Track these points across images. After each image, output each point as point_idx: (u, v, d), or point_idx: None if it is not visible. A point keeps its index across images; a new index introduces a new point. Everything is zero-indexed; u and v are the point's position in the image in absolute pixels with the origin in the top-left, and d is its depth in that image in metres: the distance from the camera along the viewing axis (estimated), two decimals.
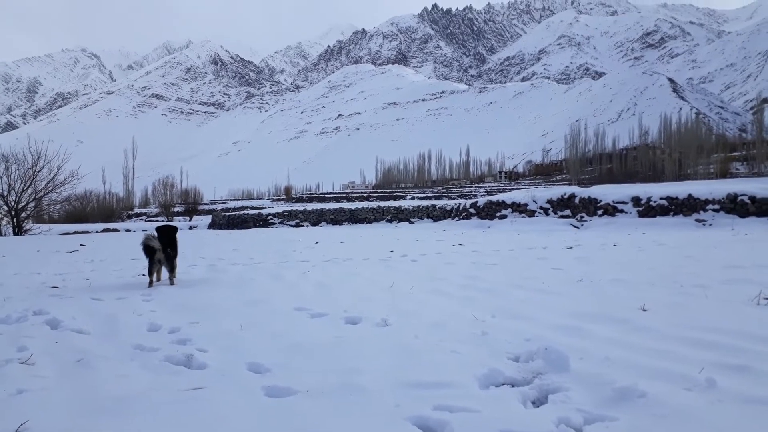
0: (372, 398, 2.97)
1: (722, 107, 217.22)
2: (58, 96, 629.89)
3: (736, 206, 19.65)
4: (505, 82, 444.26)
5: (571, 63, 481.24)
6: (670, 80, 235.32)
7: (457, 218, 27.92)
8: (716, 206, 19.97)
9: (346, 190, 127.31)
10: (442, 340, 4.15)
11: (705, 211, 20.10)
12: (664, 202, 21.15)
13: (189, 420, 2.71)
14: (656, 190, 22.36)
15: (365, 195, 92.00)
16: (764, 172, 62.24)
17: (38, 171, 30.90)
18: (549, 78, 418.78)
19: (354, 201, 69.11)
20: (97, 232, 32.45)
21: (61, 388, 3.24)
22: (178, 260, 8.01)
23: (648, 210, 21.39)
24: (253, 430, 2.60)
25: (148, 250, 7.51)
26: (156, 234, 7.79)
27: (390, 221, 30.84)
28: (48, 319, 5.16)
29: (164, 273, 7.83)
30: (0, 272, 9.66)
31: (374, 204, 35.11)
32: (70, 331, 4.70)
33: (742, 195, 19.70)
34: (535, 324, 4.63)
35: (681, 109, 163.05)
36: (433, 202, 38.08)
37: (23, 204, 30.47)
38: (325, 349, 3.98)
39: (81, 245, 17.28)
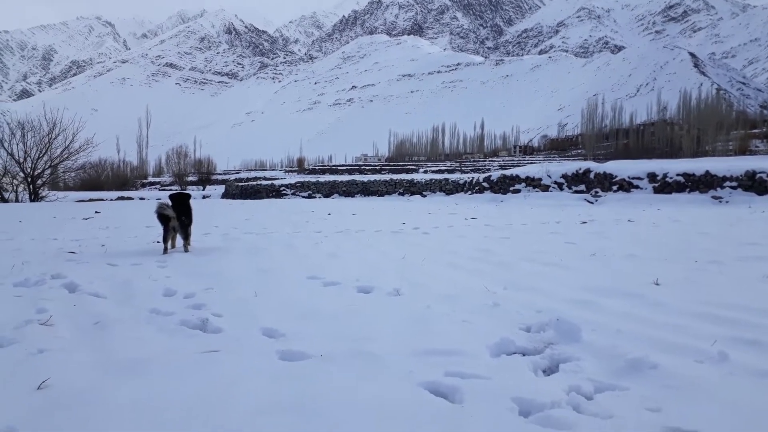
0: (385, 364, 3.01)
1: (744, 83, 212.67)
2: (73, 64, 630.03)
3: (754, 184, 19.37)
4: (522, 55, 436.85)
5: (591, 36, 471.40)
6: (692, 55, 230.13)
7: (470, 192, 27.82)
8: (734, 183, 19.70)
9: (359, 163, 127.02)
10: (454, 310, 4.18)
11: (722, 188, 19.84)
12: (680, 178, 20.88)
13: (205, 381, 2.76)
14: (673, 167, 22.07)
15: (378, 168, 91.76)
16: None
17: (54, 138, 31.14)
18: (567, 51, 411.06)
19: (366, 173, 69.03)
20: (111, 200, 32.75)
21: (79, 348, 3.32)
22: (192, 228, 8.07)
23: (664, 186, 21.15)
24: (268, 391, 2.65)
25: (162, 218, 7.56)
26: (170, 202, 7.83)
27: (402, 194, 30.80)
28: (65, 283, 5.25)
29: (179, 240, 7.90)
30: (18, 237, 9.82)
31: (387, 177, 35.02)
32: (87, 295, 4.79)
33: (761, 172, 19.39)
34: (547, 296, 4.64)
35: (701, 84, 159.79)
36: (446, 175, 37.90)
37: (39, 171, 30.78)
38: (338, 317, 4.02)
39: (96, 212, 17.48)
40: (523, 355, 3.24)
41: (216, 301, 4.54)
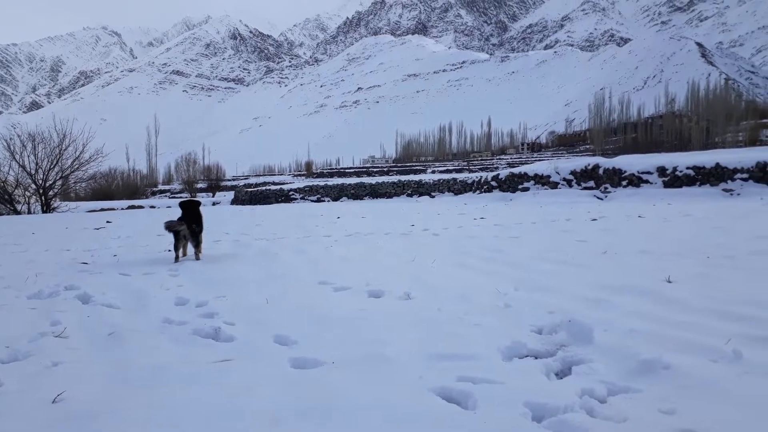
0: (396, 369, 3.01)
1: (753, 72, 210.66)
2: (81, 74, 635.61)
3: (766, 175, 19.17)
4: (527, 51, 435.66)
5: (596, 29, 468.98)
6: (699, 45, 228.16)
7: (478, 191, 27.75)
8: (745, 175, 19.51)
9: (366, 165, 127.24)
10: (465, 313, 4.17)
11: (733, 180, 19.66)
12: (690, 171, 20.72)
13: (219, 391, 2.78)
14: (682, 160, 21.89)
15: (385, 169, 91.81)
16: None
17: (64, 149, 31.39)
18: (573, 45, 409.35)
19: (374, 175, 69.05)
20: (122, 209, 33.01)
21: (94, 360, 3.35)
22: (203, 235, 8.11)
23: (674, 180, 20.99)
24: (281, 400, 2.66)
25: (171, 231, 7.63)
26: (180, 209, 7.88)
27: (410, 195, 30.78)
28: (79, 294, 5.30)
29: (190, 248, 7.93)
30: (31, 249, 9.92)
31: (394, 178, 34.99)
32: (100, 306, 4.83)
33: None
34: (558, 296, 4.62)
35: (709, 74, 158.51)
36: (454, 175, 37.82)
37: (50, 182, 31.04)
38: (349, 322, 4.03)
39: (108, 222, 17.61)
40: (536, 358, 3.23)
41: (228, 309, 4.56)
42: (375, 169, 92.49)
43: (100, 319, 4.35)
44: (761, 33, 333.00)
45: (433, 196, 29.66)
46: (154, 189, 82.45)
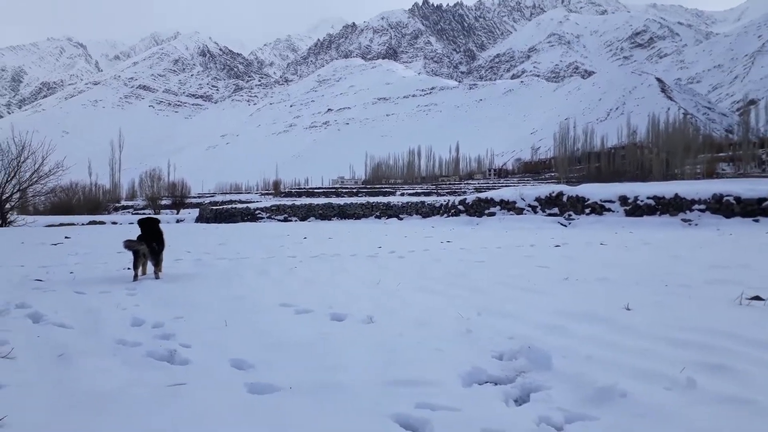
0: (354, 396, 2.97)
1: (709, 108, 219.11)
2: (44, 85, 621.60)
3: (721, 206, 19.84)
4: (495, 79, 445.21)
5: (561, 61, 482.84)
6: (659, 80, 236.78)
7: (446, 215, 27.97)
8: (702, 206, 20.16)
9: (336, 185, 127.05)
10: (427, 338, 4.16)
11: (691, 210, 20.28)
12: (651, 201, 21.31)
13: (171, 416, 2.69)
14: (643, 190, 22.52)
15: (354, 190, 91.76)
16: (750, 173, 62.93)
17: (23, 162, 30.51)
18: (539, 76, 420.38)
19: (343, 196, 68.99)
20: (83, 224, 32.13)
21: (41, 383, 3.21)
22: (165, 254, 7.96)
23: (635, 209, 21.55)
24: (235, 426, 2.59)
25: (131, 249, 7.47)
26: (139, 228, 7.74)
27: (379, 217, 30.84)
28: (30, 313, 5.11)
29: (150, 267, 7.77)
30: None
31: (363, 200, 35.05)
32: (52, 325, 4.66)
33: (727, 195, 19.89)
34: (519, 322, 4.65)
35: (669, 109, 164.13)
36: (423, 198, 38.11)
37: (7, 195, 30.09)
38: (309, 346, 3.97)
39: (66, 238, 17.11)
40: (495, 384, 3.23)
41: (185, 330, 4.45)
42: (344, 190, 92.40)
43: (50, 340, 4.19)
44: (717, 71, 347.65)
45: (401, 219, 29.77)
46: (117, 205, 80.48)
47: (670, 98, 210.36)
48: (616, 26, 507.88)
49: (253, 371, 3.44)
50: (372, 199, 34.99)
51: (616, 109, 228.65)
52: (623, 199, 22.11)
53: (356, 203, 32.59)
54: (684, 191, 21.01)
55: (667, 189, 21.87)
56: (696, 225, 19.27)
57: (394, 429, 2.58)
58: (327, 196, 68.79)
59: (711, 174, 64.67)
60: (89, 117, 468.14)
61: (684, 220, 19.90)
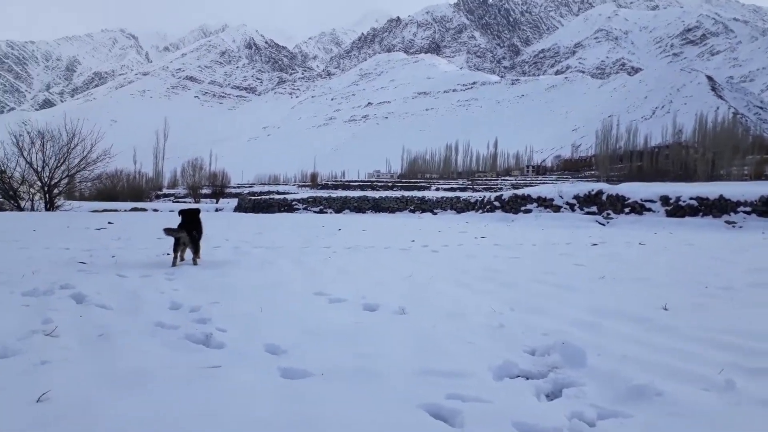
0: (386, 384, 2.99)
1: (762, 107, 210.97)
2: (96, 75, 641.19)
3: None
4: (538, 75, 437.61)
5: (607, 57, 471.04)
6: (709, 78, 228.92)
7: (480, 211, 27.74)
8: (748, 208, 19.46)
9: (371, 179, 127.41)
10: (459, 331, 4.15)
11: (736, 213, 19.61)
12: (693, 202, 20.69)
13: (204, 397, 2.76)
14: (686, 190, 21.87)
15: (390, 184, 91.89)
16: None
17: (72, 148, 31.47)
18: (583, 72, 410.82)
19: (378, 190, 69.11)
20: (125, 210, 33.07)
21: (82, 360, 3.33)
22: (203, 242, 8.14)
23: (676, 209, 20.95)
24: (267, 409, 2.63)
25: (171, 235, 7.71)
26: (180, 217, 7.95)
27: (413, 211, 30.79)
28: (73, 294, 5.29)
29: (188, 253, 7.95)
30: (31, 246, 9.93)
31: (398, 193, 35.05)
32: (94, 306, 4.81)
33: None
34: (553, 319, 4.59)
35: (718, 108, 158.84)
36: (458, 193, 37.86)
37: (56, 180, 31.13)
38: (342, 334, 4.01)
39: (109, 223, 17.64)
40: (527, 378, 3.21)
41: (221, 315, 4.54)
42: (379, 184, 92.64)
43: (92, 320, 4.34)
44: None
45: (435, 213, 29.66)
46: (159, 192, 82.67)
47: (720, 97, 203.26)
48: (667, 22, 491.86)
49: (287, 356, 3.49)
50: (407, 193, 34.96)
51: (662, 107, 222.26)
52: (665, 199, 21.51)
53: (391, 197, 32.61)
54: (729, 192, 20.31)
55: (711, 190, 21.18)
56: (740, 227, 18.63)
57: (424, 418, 2.59)
58: (362, 189, 69.05)
59: (759, 176, 62.30)
60: (137, 106, 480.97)
61: (728, 222, 19.25)
